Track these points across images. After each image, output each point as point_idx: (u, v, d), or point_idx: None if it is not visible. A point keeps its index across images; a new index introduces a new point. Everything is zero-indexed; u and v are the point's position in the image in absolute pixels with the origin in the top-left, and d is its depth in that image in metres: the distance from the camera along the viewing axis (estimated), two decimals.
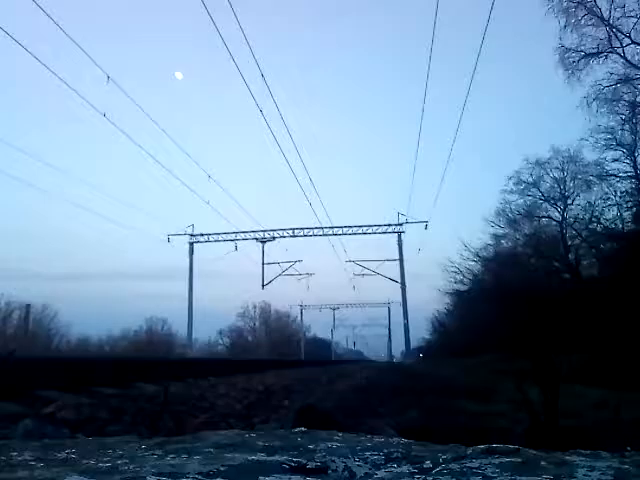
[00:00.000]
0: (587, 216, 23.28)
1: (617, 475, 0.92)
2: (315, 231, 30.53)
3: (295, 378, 6.96)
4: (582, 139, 23.15)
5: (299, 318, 54.93)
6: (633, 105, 19.36)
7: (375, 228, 33.38)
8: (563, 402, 2.43)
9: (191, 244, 31.00)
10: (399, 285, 35.68)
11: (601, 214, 22.40)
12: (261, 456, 1.04)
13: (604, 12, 18.84)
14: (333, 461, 1.00)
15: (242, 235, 30.03)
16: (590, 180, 23.40)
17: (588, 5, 19.10)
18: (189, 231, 30.36)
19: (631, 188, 20.87)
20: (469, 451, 1.10)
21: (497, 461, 0.99)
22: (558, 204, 25.64)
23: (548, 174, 26.16)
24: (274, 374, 7.52)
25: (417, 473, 0.94)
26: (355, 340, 68.42)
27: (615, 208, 21.60)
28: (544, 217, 26.42)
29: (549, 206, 26.14)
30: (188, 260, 31.13)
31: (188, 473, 0.88)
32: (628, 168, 21.11)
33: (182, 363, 8.02)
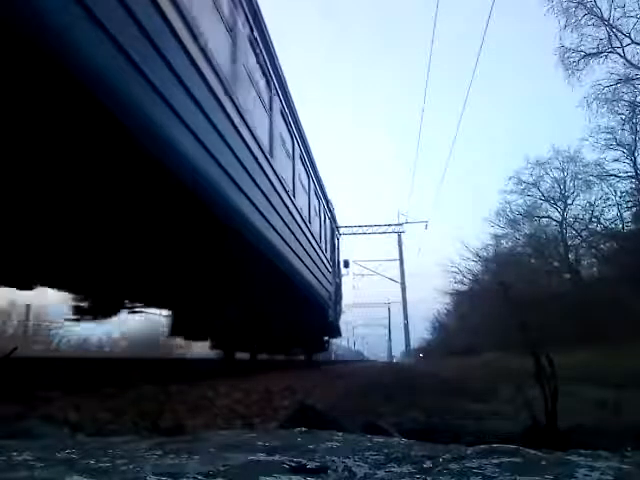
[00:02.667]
0: (587, 216, 23.38)
1: (617, 475, 0.92)
2: None
3: (295, 378, 6.96)
4: (582, 139, 23.27)
5: None
6: (633, 105, 19.42)
7: (375, 228, 33.43)
8: (563, 402, 2.43)
9: None
10: (399, 285, 35.71)
11: (601, 214, 22.51)
12: (261, 456, 1.04)
13: (604, 12, 18.93)
14: (333, 461, 1.00)
15: None
16: (590, 180, 23.52)
17: (588, 5, 19.18)
18: None
19: (631, 188, 20.95)
20: (469, 451, 1.10)
21: (497, 461, 0.99)
22: (558, 204, 25.73)
23: (548, 174, 26.29)
24: (274, 374, 7.52)
25: (417, 473, 0.94)
26: (355, 340, 68.56)
27: (615, 208, 21.70)
28: (544, 217, 26.51)
29: (549, 206, 26.25)
30: None
31: (188, 473, 0.88)
32: (628, 168, 21.19)
33: (182, 363, 8.03)
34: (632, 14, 18.47)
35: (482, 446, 1.13)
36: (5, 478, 0.87)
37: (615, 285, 16.61)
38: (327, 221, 12.87)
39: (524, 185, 26.70)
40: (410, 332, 36.40)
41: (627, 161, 21.01)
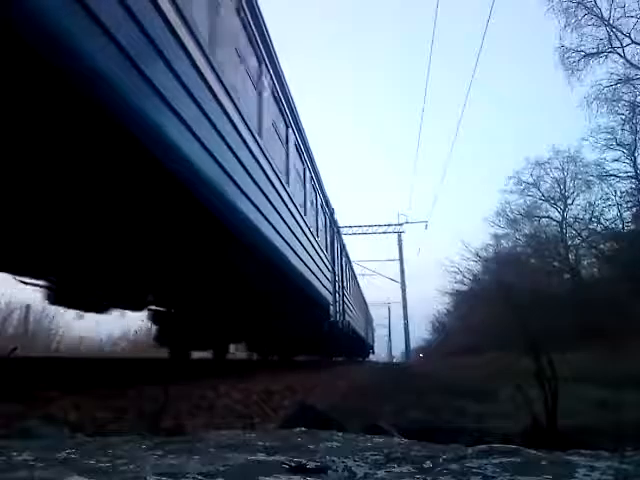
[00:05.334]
0: (587, 216, 23.37)
1: (617, 475, 0.92)
2: None
3: (295, 378, 6.95)
4: (582, 139, 23.29)
5: None
6: (633, 105, 19.43)
7: (375, 228, 33.43)
8: (563, 402, 2.43)
9: None
10: (399, 285, 35.77)
11: (601, 214, 22.49)
12: (261, 456, 1.04)
13: (604, 12, 18.94)
14: (333, 461, 1.00)
15: None
16: (590, 180, 23.52)
17: (588, 5, 19.19)
18: None
19: (631, 188, 20.94)
20: (469, 451, 1.11)
21: (497, 461, 0.99)
22: (558, 204, 25.73)
23: (548, 174, 26.29)
24: (274, 374, 7.52)
25: (417, 473, 0.94)
26: None
27: (615, 208, 21.68)
28: (544, 217, 26.50)
29: (549, 206, 26.26)
30: None
31: (188, 473, 0.88)
32: (628, 168, 21.20)
33: (182, 363, 8.02)
34: (632, 14, 18.48)
35: (482, 446, 1.13)
36: (5, 478, 0.87)
37: (615, 285, 16.61)
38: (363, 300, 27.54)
39: (524, 185, 26.70)
40: (410, 332, 36.48)
41: (627, 161, 21.02)
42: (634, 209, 20.51)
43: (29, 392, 2.88)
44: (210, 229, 4.28)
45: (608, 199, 22.03)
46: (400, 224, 33.94)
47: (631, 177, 20.90)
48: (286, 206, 6.82)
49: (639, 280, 14.74)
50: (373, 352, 38.68)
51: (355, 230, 32.64)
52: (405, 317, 35.39)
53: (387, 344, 61.91)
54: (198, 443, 1.23)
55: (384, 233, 34.31)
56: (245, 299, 6.25)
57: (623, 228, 21.04)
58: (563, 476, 0.90)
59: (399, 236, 35.07)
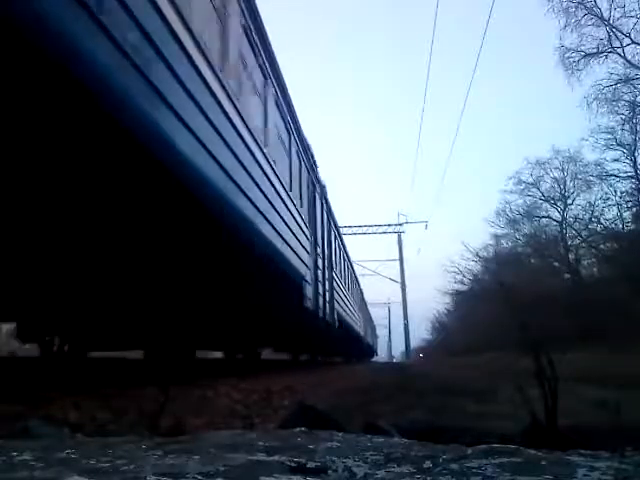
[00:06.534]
0: (587, 216, 23.36)
1: (617, 475, 0.92)
2: None
3: (295, 378, 6.96)
4: (582, 139, 23.29)
5: None
6: (633, 105, 19.42)
7: (375, 228, 33.46)
8: (563, 402, 2.42)
9: None
10: (399, 285, 35.84)
11: (601, 214, 22.48)
12: (261, 456, 1.04)
13: (604, 12, 18.93)
14: (333, 461, 1.00)
15: None
16: (590, 180, 23.50)
17: (588, 5, 19.19)
18: None
19: (631, 188, 20.93)
20: (469, 451, 1.11)
21: (497, 461, 0.99)
22: (558, 204, 25.72)
23: (548, 174, 26.28)
24: (274, 374, 7.52)
25: (417, 473, 0.94)
26: None
27: (615, 208, 21.66)
28: (544, 217, 26.48)
29: (549, 206, 26.24)
30: None
31: (188, 473, 0.88)
32: (628, 168, 21.18)
33: (182, 363, 8.02)
34: (632, 14, 18.46)
35: (482, 446, 1.13)
36: (5, 478, 0.87)
37: (615, 285, 16.60)
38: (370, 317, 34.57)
39: (524, 185, 26.68)
40: (410, 332, 36.54)
41: (627, 161, 21.01)
42: (634, 209, 20.52)
43: (29, 392, 2.88)
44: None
45: (608, 199, 22.04)
46: (400, 224, 34.05)
47: (631, 177, 20.90)
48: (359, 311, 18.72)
49: (639, 280, 14.75)
50: (377, 354, 45.07)
51: (355, 230, 32.66)
52: (405, 317, 35.47)
53: (387, 344, 62.00)
54: (198, 443, 1.23)
55: (384, 233, 34.38)
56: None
57: (623, 228, 21.04)
58: (563, 476, 0.91)
59: (399, 236, 35.18)
